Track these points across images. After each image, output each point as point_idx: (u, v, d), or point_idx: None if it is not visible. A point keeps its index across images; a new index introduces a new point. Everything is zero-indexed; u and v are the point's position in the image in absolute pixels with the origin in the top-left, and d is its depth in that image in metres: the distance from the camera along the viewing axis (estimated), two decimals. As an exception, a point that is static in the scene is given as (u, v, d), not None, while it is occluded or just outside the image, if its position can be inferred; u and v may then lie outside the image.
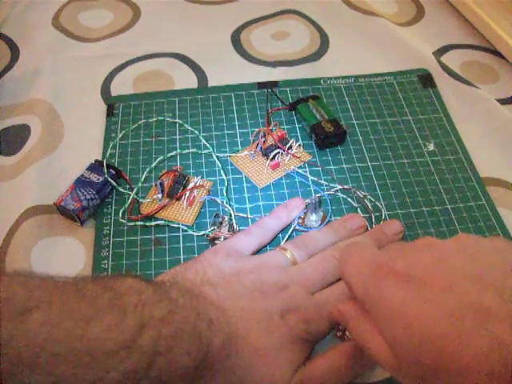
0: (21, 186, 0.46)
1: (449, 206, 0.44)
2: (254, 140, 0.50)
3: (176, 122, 0.52)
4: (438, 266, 0.26)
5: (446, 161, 0.48)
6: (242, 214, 0.44)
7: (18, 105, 0.54)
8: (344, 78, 0.56)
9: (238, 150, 0.49)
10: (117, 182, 0.46)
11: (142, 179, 0.47)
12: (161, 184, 0.44)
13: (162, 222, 0.43)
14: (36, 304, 0.26)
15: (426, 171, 0.47)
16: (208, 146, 0.49)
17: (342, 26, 0.63)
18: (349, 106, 0.53)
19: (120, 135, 0.51)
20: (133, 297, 0.29)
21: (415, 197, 0.45)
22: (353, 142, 0.50)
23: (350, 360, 0.33)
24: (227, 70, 0.58)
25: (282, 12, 0.66)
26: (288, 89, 0.55)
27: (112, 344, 0.26)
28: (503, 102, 0.54)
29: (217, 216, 0.43)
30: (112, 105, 0.54)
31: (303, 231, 0.43)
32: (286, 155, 0.48)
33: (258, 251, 0.41)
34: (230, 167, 0.48)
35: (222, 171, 0.47)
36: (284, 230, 0.43)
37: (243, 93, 0.55)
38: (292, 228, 0.43)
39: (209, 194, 0.45)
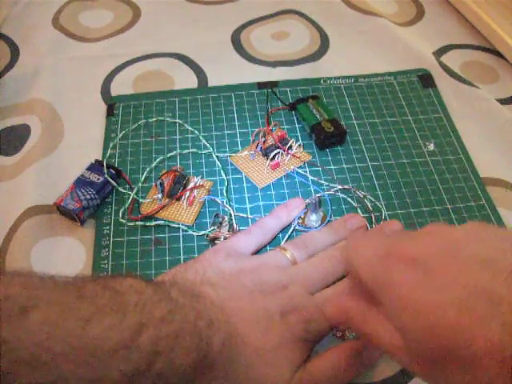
0: (21, 186, 0.46)
1: (449, 206, 0.44)
2: (254, 140, 0.50)
3: (176, 122, 0.52)
4: (448, 251, 0.26)
5: (446, 161, 0.48)
6: (242, 214, 0.44)
7: (18, 105, 0.54)
8: (344, 77, 0.56)
9: (238, 150, 0.49)
10: (117, 182, 0.46)
11: (142, 179, 0.47)
12: (161, 184, 0.44)
13: (162, 222, 0.43)
14: (36, 303, 0.26)
15: (426, 171, 0.47)
16: (208, 146, 0.49)
17: (342, 26, 0.63)
18: (349, 106, 0.53)
19: (120, 135, 0.51)
20: (133, 296, 0.29)
21: (415, 197, 0.45)
22: (353, 142, 0.50)
23: (350, 360, 0.34)
24: (227, 70, 0.58)
25: (282, 12, 0.66)
26: (288, 89, 0.55)
27: (112, 343, 0.26)
28: (503, 102, 0.54)
29: (217, 216, 0.43)
30: (112, 105, 0.54)
31: (303, 231, 0.43)
32: (286, 155, 0.48)
33: (258, 251, 0.41)
34: (230, 167, 0.48)
35: (221, 171, 0.47)
36: (284, 229, 0.43)
37: (243, 93, 0.55)
38: (292, 228, 0.43)
39: (209, 194, 0.45)
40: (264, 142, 0.48)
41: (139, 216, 0.44)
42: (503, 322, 0.22)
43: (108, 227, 0.43)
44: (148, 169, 0.47)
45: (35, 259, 0.41)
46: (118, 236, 0.43)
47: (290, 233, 0.43)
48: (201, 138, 0.50)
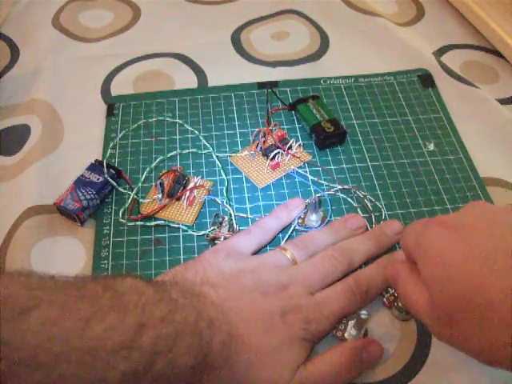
0: (21, 186, 0.46)
1: (449, 206, 0.44)
2: (254, 140, 0.50)
3: (176, 122, 0.52)
4: (483, 218, 0.29)
5: (446, 161, 0.48)
6: (242, 214, 0.44)
7: (18, 105, 0.54)
8: (344, 77, 0.56)
9: (238, 150, 0.49)
10: (117, 182, 0.46)
11: (142, 179, 0.47)
12: (161, 184, 0.44)
13: (162, 221, 0.43)
14: (36, 303, 0.26)
15: (426, 171, 0.47)
16: (208, 146, 0.49)
17: (342, 26, 0.63)
18: (349, 106, 0.53)
19: (120, 135, 0.51)
20: (133, 296, 0.29)
21: (415, 197, 0.45)
22: (353, 142, 0.50)
23: (350, 360, 0.34)
24: (227, 70, 0.58)
25: (282, 12, 0.66)
26: (288, 89, 0.55)
27: (112, 343, 0.26)
28: (503, 102, 0.54)
29: (217, 216, 0.43)
30: (112, 105, 0.54)
31: (303, 231, 0.43)
32: (286, 155, 0.48)
33: (258, 251, 0.41)
34: (229, 167, 0.48)
35: (222, 171, 0.47)
36: (284, 229, 0.43)
37: (243, 93, 0.55)
38: (292, 228, 0.43)
39: (209, 194, 0.45)
40: (264, 142, 0.48)
41: (139, 216, 0.44)
42: None
43: (108, 227, 0.43)
44: (148, 169, 0.47)
45: (35, 259, 0.41)
46: (118, 236, 0.43)
47: (290, 233, 0.43)
48: (201, 138, 0.50)
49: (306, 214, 0.43)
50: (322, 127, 0.49)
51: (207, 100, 0.54)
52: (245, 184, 0.47)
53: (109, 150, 0.49)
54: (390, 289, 0.38)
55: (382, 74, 0.57)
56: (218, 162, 0.48)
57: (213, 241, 0.42)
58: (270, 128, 0.49)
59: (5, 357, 0.25)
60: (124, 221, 0.44)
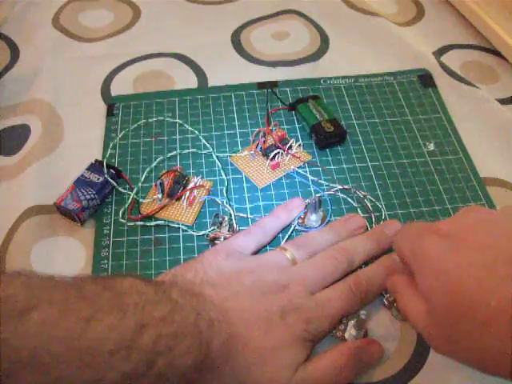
0: (21, 186, 0.46)
1: (449, 206, 0.44)
2: (254, 140, 0.50)
3: (176, 122, 0.52)
4: (478, 225, 0.28)
5: (446, 161, 0.48)
6: (242, 214, 0.44)
7: (18, 105, 0.54)
8: (344, 77, 0.56)
9: (238, 150, 0.49)
10: (117, 182, 0.46)
11: (142, 179, 0.47)
12: (161, 184, 0.44)
13: (162, 222, 0.43)
14: (36, 304, 0.26)
15: (426, 171, 0.47)
16: (208, 146, 0.49)
17: (342, 26, 0.63)
18: (349, 106, 0.53)
19: (120, 135, 0.51)
20: (133, 297, 0.29)
21: (415, 197, 0.45)
22: (353, 142, 0.50)
23: (350, 360, 0.34)
24: (227, 70, 0.58)
25: (282, 12, 0.66)
26: (288, 89, 0.55)
27: (112, 344, 0.26)
28: (503, 102, 0.54)
29: (217, 216, 0.43)
30: (112, 105, 0.54)
31: (303, 231, 0.43)
32: (286, 155, 0.48)
33: (257, 251, 0.41)
34: (229, 167, 0.48)
35: (222, 171, 0.47)
36: (284, 229, 0.43)
37: (243, 93, 0.55)
38: (292, 228, 0.43)
39: (209, 194, 0.45)
40: (264, 142, 0.48)
41: (139, 216, 0.44)
42: None
43: (108, 227, 0.43)
44: (148, 169, 0.47)
45: (35, 259, 0.41)
46: (118, 236, 0.43)
47: (290, 233, 0.43)
48: (201, 138, 0.50)
49: (305, 214, 0.43)
50: (321, 127, 0.49)
51: (207, 100, 0.54)
52: (245, 184, 0.47)
53: (109, 150, 0.49)
54: None
55: (381, 74, 0.57)
56: (217, 162, 0.48)
57: (213, 241, 0.42)
58: (270, 128, 0.49)
59: (5, 357, 0.24)
60: (124, 221, 0.44)
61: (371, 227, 0.43)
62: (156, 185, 0.45)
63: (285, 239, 0.42)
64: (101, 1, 0.67)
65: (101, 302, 0.28)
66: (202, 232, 0.43)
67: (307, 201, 0.44)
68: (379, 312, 0.38)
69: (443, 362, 0.35)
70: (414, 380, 0.35)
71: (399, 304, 0.33)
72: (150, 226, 0.43)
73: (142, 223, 0.43)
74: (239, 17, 0.65)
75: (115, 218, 0.44)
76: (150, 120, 0.52)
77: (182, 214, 0.44)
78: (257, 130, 0.50)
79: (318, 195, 0.45)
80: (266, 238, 0.41)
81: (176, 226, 0.43)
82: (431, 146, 0.49)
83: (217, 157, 0.48)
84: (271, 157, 0.47)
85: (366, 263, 0.39)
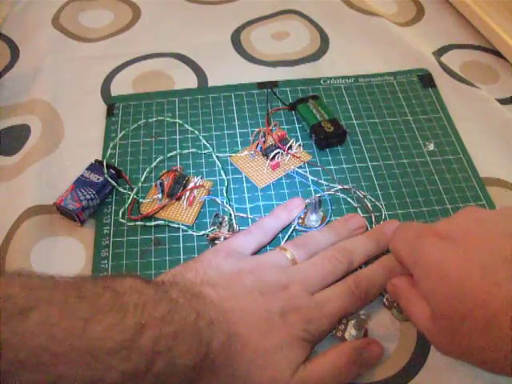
0: (21, 186, 0.46)
1: (449, 206, 0.44)
2: (254, 140, 0.50)
3: (176, 122, 0.52)
4: (477, 226, 0.28)
5: (446, 161, 0.48)
6: (242, 214, 0.44)
7: (18, 105, 0.54)
8: (344, 77, 0.56)
9: (238, 150, 0.49)
10: (117, 182, 0.46)
11: (142, 179, 0.47)
12: (161, 184, 0.44)
13: (162, 222, 0.43)
14: (36, 303, 0.26)
15: (426, 171, 0.47)
16: (208, 146, 0.49)
17: (342, 25, 0.63)
18: (349, 106, 0.53)
19: (120, 135, 0.51)
20: (133, 296, 0.29)
21: (415, 197, 0.45)
22: (353, 142, 0.50)
23: (350, 360, 0.34)
24: (227, 70, 0.58)
25: (282, 12, 0.66)
26: (288, 89, 0.55)
27: (112, 343, 0.26)
28: (503, 101, 0.54)
29: (217, 216, 0.43)
30: (112, 105, 0.54)
31: (303, 231, 0.43)
32: (286, 155, 0.48)
33: (257, 251, 0.41)
34: (229, 167, 0.48)
35: (222, 171, 0.47)
36: (284, 229, 0.43)
37: (243, 93, 0.55)
38: (292, 228, 0.43)
39: (209, 194, 0.45)
40: (264, 142, 0.48)
41: (139, 216, 0.44)
42: None
43: (108, 227, 0.43)
44: (148, 169, 0.47)
45: (35, 259, 0.41)
46: (118, 236, 0.43)
47: (290, 233, 0.43)
48: (201, 138, 0.50)
49: (305, 214, 0.43)
50: (321, 127, 0.49)
51: (207, 100, 0.54)
52: (245, 184, 0.46)
53: (109, 150, 0.49)
54: None
55: (381, 74, 0.57)
56: (217, 162, 0.48)
57: (213, 241, 0.42)
58: (270, 128, 0.49)
59: (4, 357, 0.24)
60: (124, 221, 0.44)
61: (371, 227, 0.43)
62: (156, 185, 0.45)
63: (285, 239, 0.42)
64: (101, 1, 0.67)
65: (100, 301, 0.28)
66: (202, 232, 0.43)
67: (307, 201, 0.44)
68: (379, 312, 0.38)
69: (443, 362, 0.35)
70: (414, 380, 0.35)
71: (402, 307, 0.34)
72: (150, 226, 0.43)
73: (142, 223, 0.43)
74: (239, 17, 0.65)
75: (115, 217, 0.44)
76: (150, 120, 0.52)
77: (182, 213, 0.44)
78: (257, 129, 0.50)
79: (318, 195, 0.45)
80: (265, 238, 0.41)
81: (176, 226, 0.43)
82: (431, 146, 0.49)
83: (217, 157, 0.48)
84: (271, 157, 0.47)
85: (366, 263, 0.39)
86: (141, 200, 0.45)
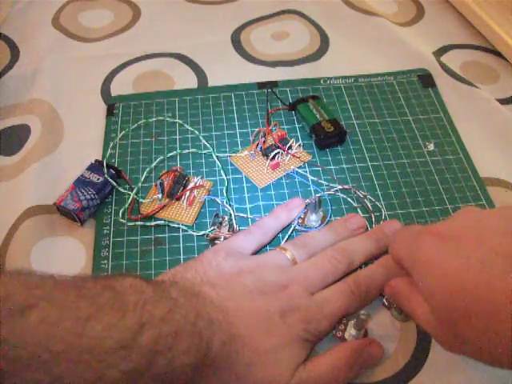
0: (21, 186, 0.46)
1: (449, 206, 0.44)
2: (254, 140, 0.50)
3: (176, 122, 0.52)
4: (475, 225, 0.29)
5: (446, 161, 0.48)
6: (242, 214, 0.44)
7: (18, 105, 0.54)
8: (344, 77, 0.56)
9: (238, 150, 0.49)
10: (117, 182, 0.46)
11: (142, 179, 0.47)
12: (161, 184, 0.44)
13: (162, 222, 0.43)
14: (35, 302, 0.26)
15: (426, 171, 0.47)
16: (208, 146, 0.49)
17: (342, 25, 0.63)
18: (349, 106, 0.53)
19: (120, 135, 0.51)
20: (133, 296, 0.29)
21: (415, 197, 0.45)
22: (353, 142, 0.50)
23: (350, 360, 0.34)
24: (227, 70, 0.58)
25: (282, 12, 0.66)
26: (288, 89, 0.55)
27: (112, 343, 0.26)
28: (503, 101, 0.54)
29: (217, 216, 0.43)
30: (112, 105, 0.54)
31: (303, 231, 0.43)
32: (286, 155, 0.48)
33: (258, 251, 0.41)
34: (229, 167, 0.48)
35: (222, 171, 0.47)
36: (284, 229, 0.43)
37: (243, 93, 0.55)
38: (292, 228, 0.43)
39: (209, 194, 0.45)
40: (264, 142, 0.48)
41: (139, 216, 0.44)
42: None
43: (108, 227, 0.43)
44: (148, 169, 0.47)
45: (35, 259, 0.41)
46: (118, 236, 0.43)
47: (290, 233, 0.43)
48: (201, 138, 0.50)
49: (305, 214, 0.43)
50: (321, 127, 0.49)
51: (207, 100, 0.54)
52: (245, 184, 0.46)
53: (109, 150, 0.49)
54: None
55: (381, 74, 0.57)
56: (217, 162, 0.48)
57: (213, 241, 0.42)
58: (270, 128, 0.49)
59: (4, 356, 0.24)
60: (124, 221, 0.44)
61: (371, 227, 0.43)
62: (156, 185, 0.45)
63: (285, 239, 0.42)
64: (101, 1, 0.67)
65: (100, 301, 0.28)
66: (202, 232, 0.43)
67: (307, 201, 0.44)
68: (379, 312, 0.38)
69: (443, 362, 0.35)
70: (414, 380, 0.35)
71: (403, 307, 0.34)
72: (150, 226, 0.43)
73: (141, 223, 0.43)
74: (239, 17, 0.65)
75: (115, 217, 0.44)
76: (150, 120, 0.52)
77: (182, 213, 0.44)
78: (257, 129, 0.50)
79: (318, 195, 0.45)
80: (265, 238, 0.41)
81: (176, 226, 0.43)
82: (431, 146, 0.49)
83: (217, 157, 0.48)
84: (271, 157, 0.47)
85: (366, 263, 0.39)
86: (141, 200, 0.45)
